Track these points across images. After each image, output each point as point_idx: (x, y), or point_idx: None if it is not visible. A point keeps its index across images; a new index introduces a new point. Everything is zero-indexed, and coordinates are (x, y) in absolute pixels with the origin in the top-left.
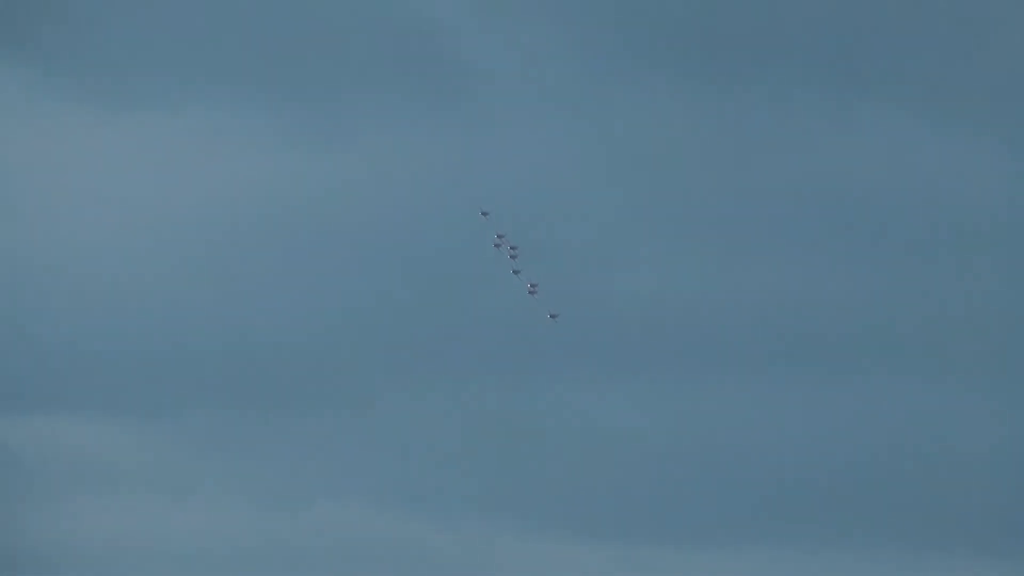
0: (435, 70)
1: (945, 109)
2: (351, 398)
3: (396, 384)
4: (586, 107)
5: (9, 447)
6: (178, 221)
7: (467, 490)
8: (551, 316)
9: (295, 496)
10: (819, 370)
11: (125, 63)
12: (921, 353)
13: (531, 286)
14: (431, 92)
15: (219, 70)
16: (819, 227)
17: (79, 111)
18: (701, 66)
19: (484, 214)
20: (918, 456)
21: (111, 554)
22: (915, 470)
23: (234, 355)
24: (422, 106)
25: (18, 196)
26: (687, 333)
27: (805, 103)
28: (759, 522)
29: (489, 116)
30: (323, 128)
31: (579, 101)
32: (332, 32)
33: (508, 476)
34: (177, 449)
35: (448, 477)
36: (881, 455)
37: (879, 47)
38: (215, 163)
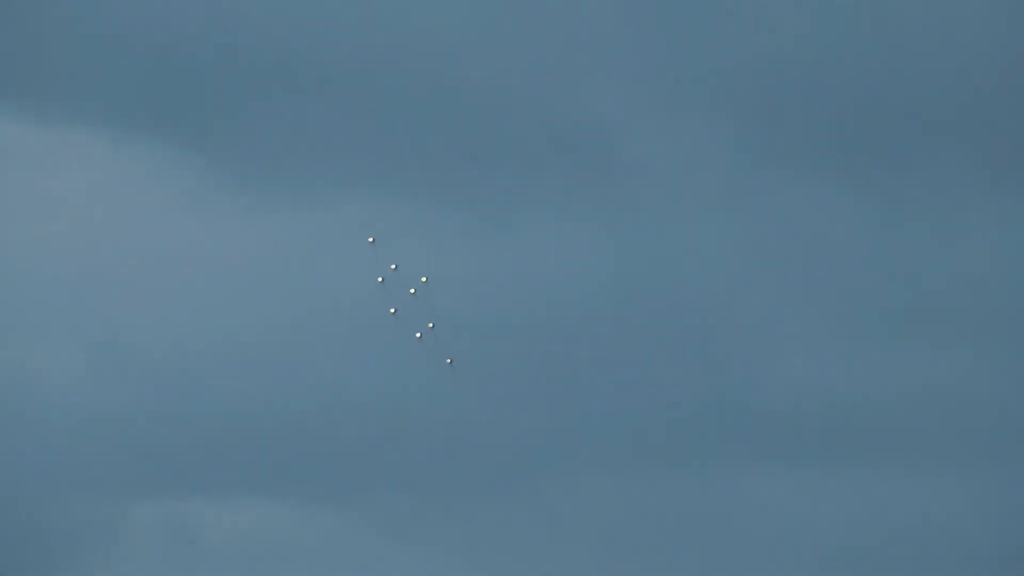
0: (593, 164)
1: None
2: (515, 482)
3: (561, 468)
4: (741, 201)
5: (191, 527)
6: (341, 312)
7: (629, 571)
8: (448, 362)
9: None
10: (975, 458)
11: (288, 158)
12: None
13: (430, 326)
14: (589, 185)
15: (376, 166)
16: (972, 318)
17: (240, 204)
18: (854, 161)
19: (371, 241)
20: None
21: None
22: None
23: (408, 441)
24: (580, 199)
25: (187, 283)
26: (842, 422)
27: (958, 197)
28: None
29: (646, 209)
30: (483, 223)
31: (735, 195)
32: (489, 128)
33: (673, 559)
34: (356, 533)
35: (615, 559)
36: None
37: None
38: (373, 257)
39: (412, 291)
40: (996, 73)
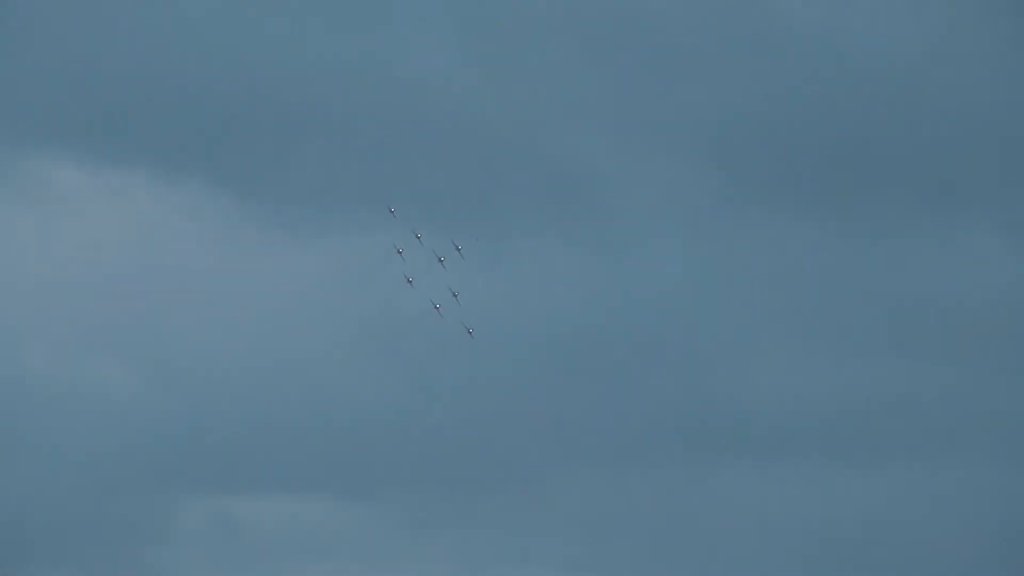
0: (579, 201)
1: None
2: (523, 479)
3: (561, 466)
4: (718, 230)
5: (237, 521)
6: (364, 330)
7: (625, 557)
8: (468, 332)
9: (483, 564)
10: (938, 456)
11: (312, 195)
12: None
13: (453, 294)
14: (575, 221)
15: (389, 203)
16: (925, 331)
17: (269, 235)
18: (818, 196)
19: (391, 211)
20: None
21: None
22: None
23: (425, 444)
24: (568, 233)
25: (225, 305)
26: (813, 424)
27: (910, 226)
28: None
29: (628, 241)
30: (485, 253)
31: (713, 226)
32: (495, 169)
33: (663, 545)
34: (379, 525)
35: (608, 547)
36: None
37: (977, 176)
38: (396, 284)
39: (437, 306)
40: (944, 121)
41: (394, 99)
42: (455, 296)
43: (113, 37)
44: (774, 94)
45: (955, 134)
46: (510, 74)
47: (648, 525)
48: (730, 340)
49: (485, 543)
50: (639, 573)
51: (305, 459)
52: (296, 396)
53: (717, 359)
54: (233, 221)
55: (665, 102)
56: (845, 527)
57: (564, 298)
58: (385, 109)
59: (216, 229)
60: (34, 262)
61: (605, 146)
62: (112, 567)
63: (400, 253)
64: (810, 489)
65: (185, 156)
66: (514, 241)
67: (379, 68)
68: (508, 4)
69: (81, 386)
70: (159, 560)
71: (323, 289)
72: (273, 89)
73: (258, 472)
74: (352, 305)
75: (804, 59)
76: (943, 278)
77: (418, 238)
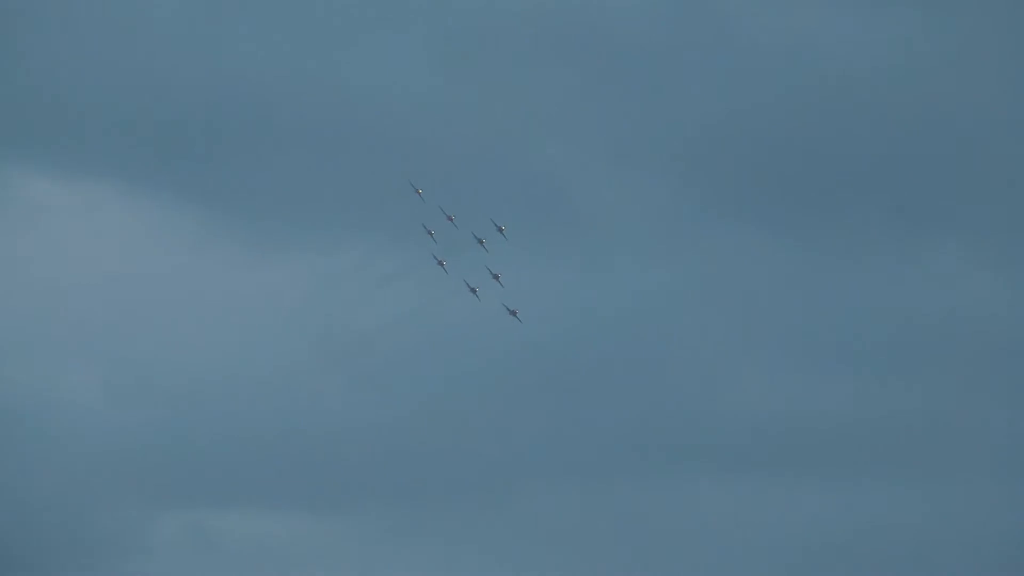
0: (560, 215)
1: (990, 249)
2: (493, 491)
3: (539, 478)
4: (689, 249)
5: (210, 534)
6: (337, 349)
7: (604, 567)
8: (511, 312)
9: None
10: (904, 471)
11: (282, 208)
12: (984, 452)
13: (498, 276)
14: (556, 233)
15: (366, 218)
16: (887, 348)
17: (238, 247)
18: (787, 213)
19: (418, 191)
20: None
21: None
22: None
23: (401, 456)
24: (544, 247)
25: (196, 317)
26: (782, 436)
27: (869, 242)
28: None
29: (603, 256)
30: (459, 266)
31: (682, 241)
32: (471, 183)
33: (643, 557)
34: (351, 538)
35: (586, 557)
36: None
37: (939, 195)
38: (365, 297)
39: (475, 288)
40: (914, 139)
41: (368, 114)
42: (497, 278)
43: (85, 52)
44: (749, 111)
45: (925, 152)
46: (488, 90)
47: (627, 537)
48: (707, 354)
49: (462, 555)
50: None
51: (281, 472)
52: (271, 409)
53: (693, 373)
54: (205, 233)
55: (640, 118)
56: (820, 540)
57: (541, 311)
58: (358, 124)
59: (188, 241)
60: (3, 273)
61: (581, 161)
62: None
63: (431, 235)
64: (787, 502)
65: (155, 168)
66: (489, 254)
67: (351, 83)
68: (487, 20)
69: (54, 399)
70: (135, 573)
71: (295, 302)
72: (244, 103)
73: (235, 485)
74: (325, 317)
75: (780, 77)
76: (916, 294)
77: (451, 219)
